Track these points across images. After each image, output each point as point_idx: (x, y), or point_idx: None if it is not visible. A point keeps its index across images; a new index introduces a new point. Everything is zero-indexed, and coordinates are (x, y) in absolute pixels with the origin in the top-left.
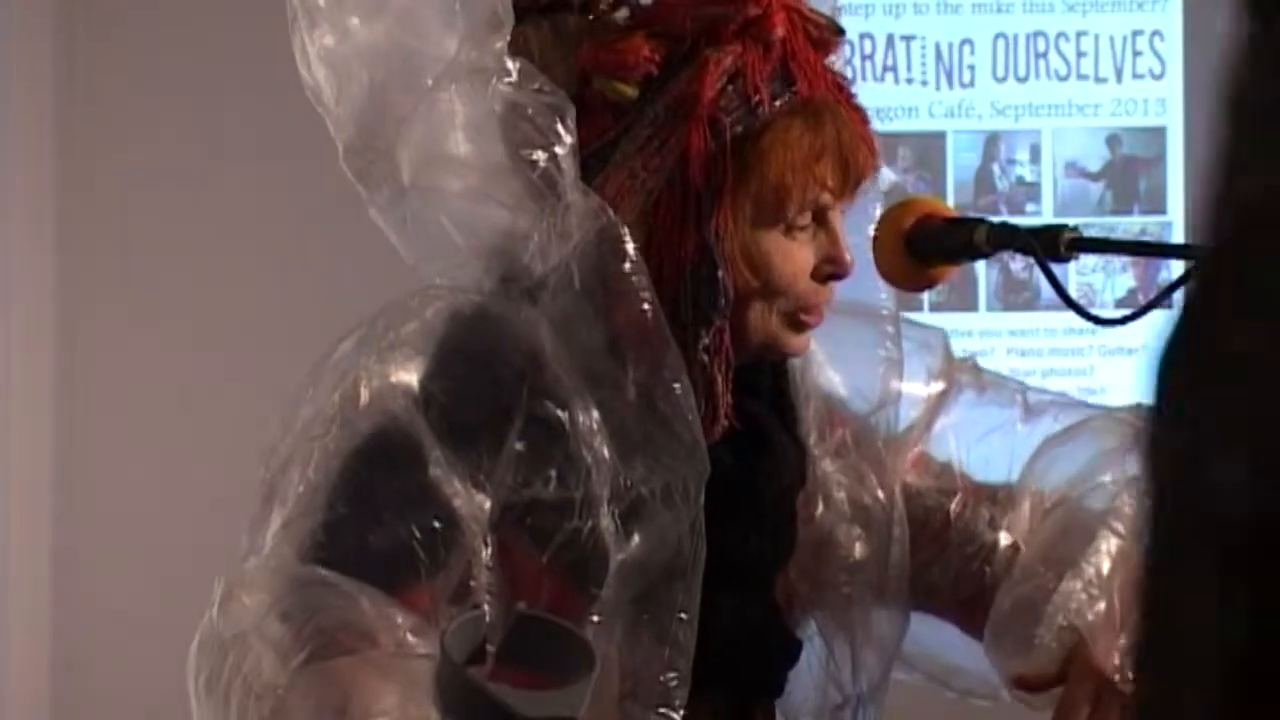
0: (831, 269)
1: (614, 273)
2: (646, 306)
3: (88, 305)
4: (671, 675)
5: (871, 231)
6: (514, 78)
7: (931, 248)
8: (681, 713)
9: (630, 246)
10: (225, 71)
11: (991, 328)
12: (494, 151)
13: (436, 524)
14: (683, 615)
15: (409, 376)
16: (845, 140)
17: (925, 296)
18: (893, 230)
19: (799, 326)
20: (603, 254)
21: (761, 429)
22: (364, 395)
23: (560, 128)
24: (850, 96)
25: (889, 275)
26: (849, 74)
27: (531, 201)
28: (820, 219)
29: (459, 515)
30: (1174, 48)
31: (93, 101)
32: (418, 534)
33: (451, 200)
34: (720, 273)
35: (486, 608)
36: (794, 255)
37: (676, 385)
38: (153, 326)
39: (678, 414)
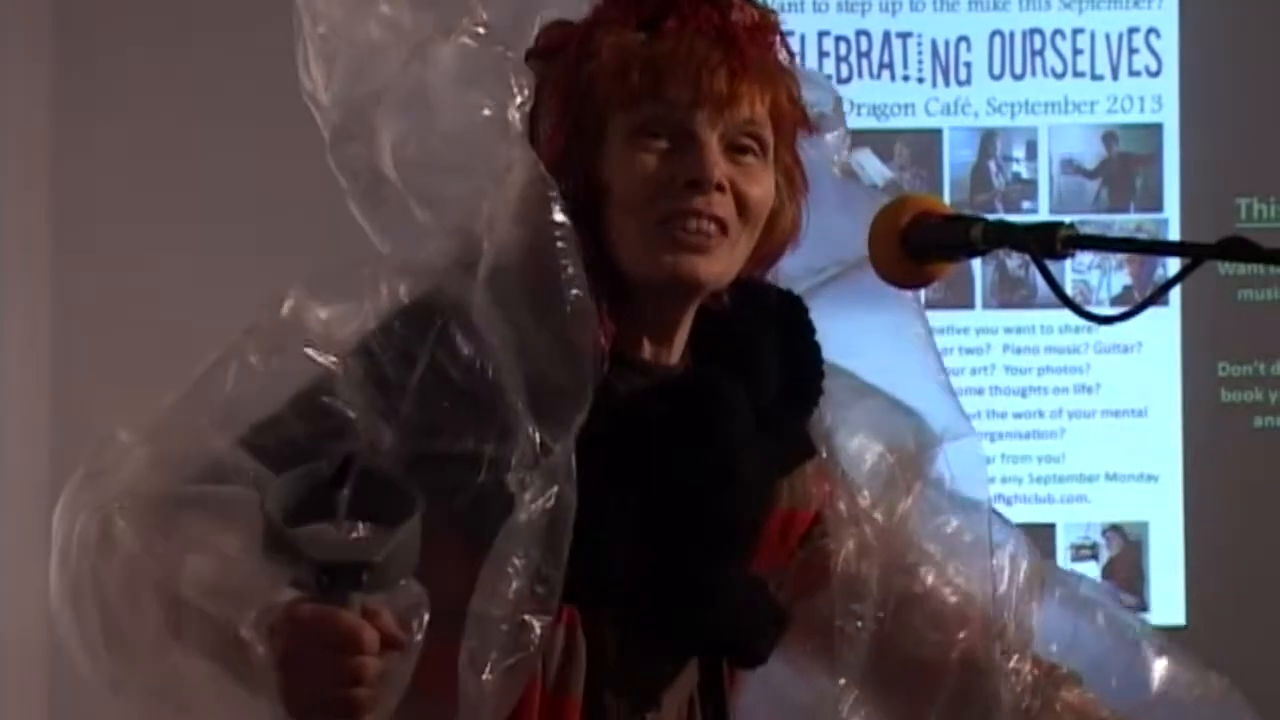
0: (685, 176)
1: (537, 229)
2: (564, 263)
3: (84, 307)
4: (533, 607)
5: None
6: (480, 33)
7: (928, 245)
8: (536, 641)
9: (555, 202)
10: (220, 70)
11: (988, 325)
12: (452, 111)
13: (332, 436)
14: (553, 550)
15: (342, 331)
16: (696, 57)
17: (922, 294)
18: (889, 227)
19: (675, 246)
20: (530, 210)
21: (709, 382)
22: (290, 319)
23: (512, 83)
24: (730, 32)
25: (885, 272)
26: (845, 70)
27: (479, 161)
28: (685, 135)
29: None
30: (1170, 45)
31: (89, 100)
32: (313, 440)
33: (417, 173)
34: (567, 181)
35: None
36: (639, 163)
37: (582, 337)
38: (149, 328)
39: (581, 364)
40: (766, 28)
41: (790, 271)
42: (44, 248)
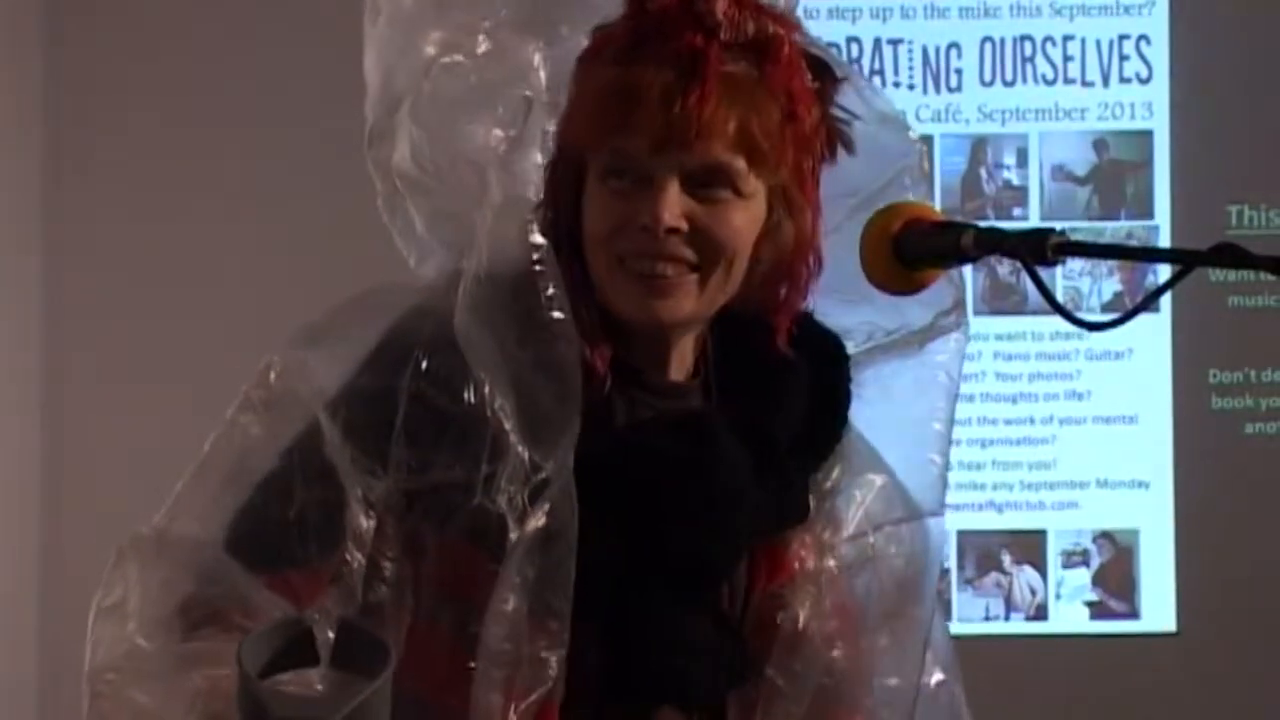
0: (639, 220)
1: (516, 252)
2: (544, 285)
3: (77, 304)
4: (544, 642)
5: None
6: (478, 54)
7: (918, 252)
8: (554, 673)
9: (534, 229)
10: (216, 69)
11: (979, 332)
12: (442, 128)
13: (325, 514)
14: (555, 579)
15: (330, 381)
16: (659, 94)
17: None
18: (880, 234)
19: (638, 287)
20: (508, 232)
21: (709, 426)
22: (277, 386)
23: (499, 108)
24: (705, 58)
25: (876, 279)
26: None
27: (463, 180)
28: (645, 177)
29: (349, 503)
30: (1160, 52)
31: (82, 101)
32: (304, 522)
33: (413, 185)
34: (549, 211)
35: (350, 591)
36: (602, 203)
37: (565, 357)
38: (143, 325)
39: (566, 385)
40: (765, 42)
41: (853, 325)
42: (35, 249)
